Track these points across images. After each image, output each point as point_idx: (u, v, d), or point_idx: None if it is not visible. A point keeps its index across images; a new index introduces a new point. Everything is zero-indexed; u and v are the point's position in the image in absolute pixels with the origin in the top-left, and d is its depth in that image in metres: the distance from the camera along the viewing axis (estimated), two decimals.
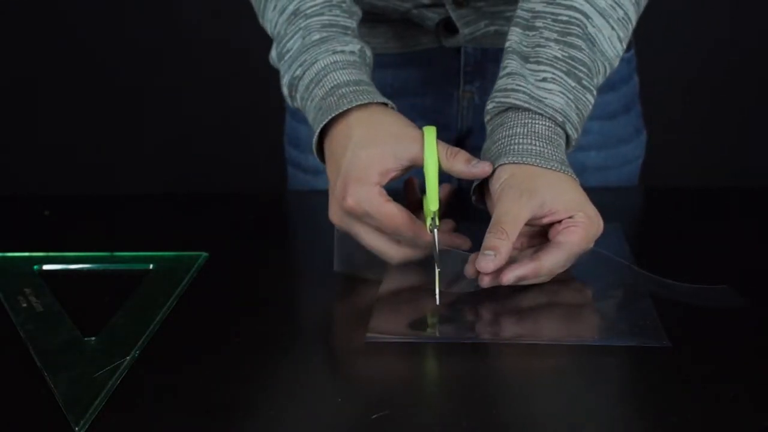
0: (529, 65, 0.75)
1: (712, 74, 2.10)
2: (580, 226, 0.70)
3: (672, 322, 0.66)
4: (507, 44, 0.78)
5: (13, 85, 2.15)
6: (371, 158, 0.72)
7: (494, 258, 0.68)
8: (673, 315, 0.68)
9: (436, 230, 0.71)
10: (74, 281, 0.79)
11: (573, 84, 0.75)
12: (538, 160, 0.72)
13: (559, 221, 0.71)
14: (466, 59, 1.00)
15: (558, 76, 0.74)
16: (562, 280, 0.73)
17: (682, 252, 0.81)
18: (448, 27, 0.97)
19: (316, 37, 0.79)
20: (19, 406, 0.59)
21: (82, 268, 0.81)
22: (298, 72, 0.79)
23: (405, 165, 0.73)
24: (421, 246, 0.74)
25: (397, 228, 0.72)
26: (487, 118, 0.78)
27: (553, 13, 0.76)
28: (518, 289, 0.71)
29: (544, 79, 0.74)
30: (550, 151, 0.73)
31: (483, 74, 1.00)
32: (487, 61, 1.00)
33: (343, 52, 0.78)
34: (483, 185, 0.75)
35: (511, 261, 0.70)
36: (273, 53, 0.84)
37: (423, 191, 0.74)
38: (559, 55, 0.75)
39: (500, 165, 0.72)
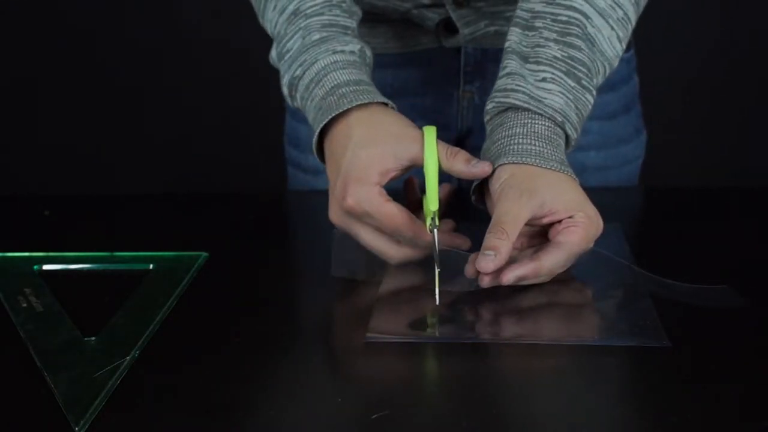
0: (528, 65, 0.75)
1: (712, 74, 2.10)
2: (580, 226, 0.70)
3: (672, 322, 0.66)
4: (506, 44, 0.78)
5: (13, 85, 2.15)
6: (371, 158, 0.72)
7: (494, 258, 0.68)
8: (673, 315, 0.68)
9: (435, 230, 0.71)
10: (74, 281, 0.79)
11: (572, 84, 0.75)
12: (537, 160, 0.72)
13: (559, 221, 0.71)
14: (466, 59, 1.00)
15: (557, 76, 0.74)
16: (562, 280, 0.73)
17: (682, 252, 0.81)
18: (448, 27, 0.97)
19: (316, 37, 0.79)
20: (19, 406, 0.59)
21: (82, 268, 0.81)
22: (298, 72, 0.79)
23: (405, 165, 0.73)
24: (420, 246, 0.74)
25: (397, 228, 0.72)
26: (486, 118, 0.78)
27: (552, 14, 0.76)
28: (518, 289, 0.71)
29: (544, 79, 0.74)
30: (549, 151, 0.73)
31: (483, 74, 1.00)
32: (487, 61, 1.00)
33: (343, 51, 0.78)
34: (483, 185, 0.75)
35: (511, 261, 0.70)
36: (273, 53, 0.84)
37: (423, 191, 0.74)
38: (559, 55, 0.75)
39: (500, 165, 0.72)
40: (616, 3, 0.77)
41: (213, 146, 2.15)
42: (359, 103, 0.74)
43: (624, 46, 0.79)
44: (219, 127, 2.15)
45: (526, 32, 0.77)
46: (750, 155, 2.11)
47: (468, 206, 0.77)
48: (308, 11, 0.80)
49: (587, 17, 0.76)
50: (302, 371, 0.63)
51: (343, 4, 0.81)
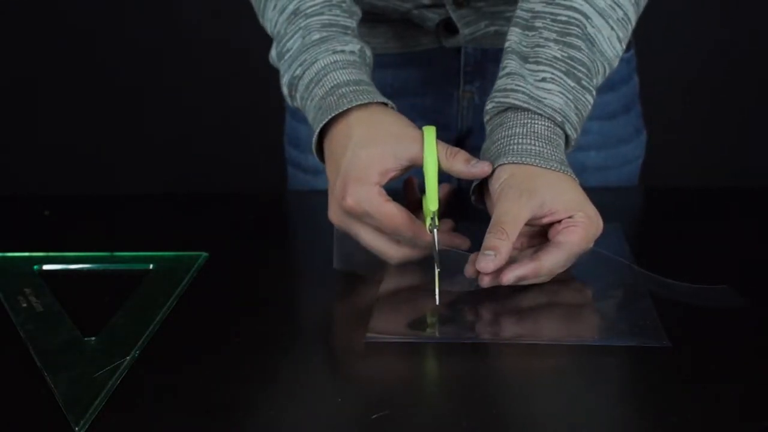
0: (528, 65, 0.75)
1: (712, 74, 2.10)
2: (580, 226, 0.70)
3: (672, 322, 0.66)
4: (506, 44, 0.78)
5: (13, 85, 2.15)
6: (371, 158, 0.72)
7: (494, 258, 0.68)
8: (673, 315, 0.68)
9: (435, 230, 0.71)
10: (74, 281, 0.79)
11: (572, 84, 0.75)
12: (537, 160, 0.72)
13: (559, 221, 0.71)
14: (466, 59, 1.00)
15: (557, 76, 0.74)
16: (562, 280, 0.73)
17: (682, 252, 0.81)
18: (449, 27, 0.97)
19: (316, 36, 0.79)
20: (19, 406, 0.59)
21: (82, 268, 0.81)
22: (297, 71, 0.79)
23: (405, 165, 0.73)
24: (420, 246, 0.74)
25: (397, 228, 0.72)
26: (486, 118, 0.78)
27: (552, 14, 0.76)
28: (518, 289, 0.71)
29: (543, 79, 0.74)
30: (549, 151, 0.73)
31: (483, 74, 1.00)
32: (487, 62, 1.00)
33: (343, 51, 0.78)
34: (482, 185, 0.75)
35: (511, 261, 0.70)
36: (273, 53, 0.84)
37: (422, 191, 0.74)
38: (559, 56, 0.75)
39: (500, 165, 0.73)
40: (616, 3, 0.77)
41: (213, 146, 2.15)
42: (359, 103, 0.74)
43: (624, 47, 0.79)
44: (219, 127, 2.15)
45: (526, 32, 0.77)
46: (750, 155, 2.11)
47: (468, 206, 0.77)
48: (308, 11, 0.80)
49: (587, 17, 0.76)
50: (302, 371, 0.63)
51: (343, 4, 0.81)
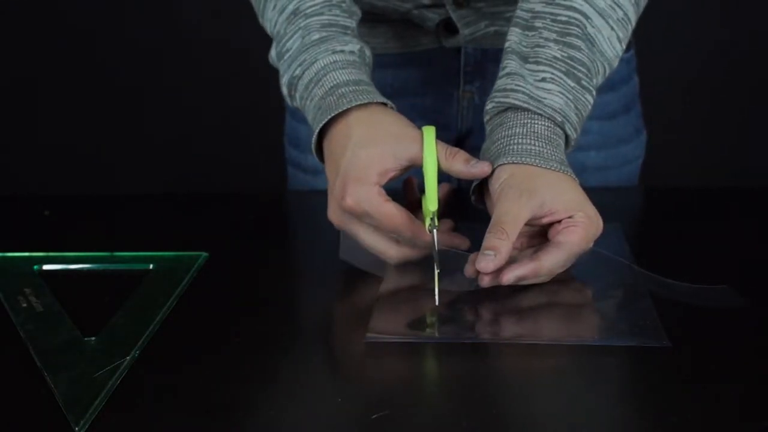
0: (528, 65, 0.75)
1: (712, 74, 2.10)
2: (580, 226, 0.70)
3: (672, 322, 0.66)
4: (506, 44, 0.78)
5: (13, 85, 2.15)
6: (371, 158, 0.72)
7: (494, 258, 0.68)
8: (673, 315, 0.68)
9: (435, 230, 0.71)
10: (74, 281, 0.79)
11: (572, 84, 0.75)
12: (537, 160, 0.72)
13: (559, 221, 0.71)
14: (466, 59, 1.00)
15: (557, 76, 0.74)
16: (562, 280, 0.73)
17: (682, 252, 0.81)
18: (449, 27, 0.97)
19: (316, 36, 0.79)
20: (19, 406, 0.59)
21: (82, 268, 0.81)
22: (297, 71, 0.79)
23: (404, 165, 0.73)
24: (420, 246, 0.74)
25: (396, 228, 0.72)
26: (486, 118, 0.78)
27: (552, 14, 0.76)
28: (518, 289, 0.71)
29: (543, 79, 0.74)
30: (549, 151, 0.73)
31: (483, 74, 1.00)
32: (487, 62, 1.00)
33: (342, 51, 0.78)
34: (482, 185, 0.75)
35: (511, 261, 0.70)
36: (272, 53, 0.84)
37: (422, 191, 0.74)
38: (558, 56, 0.75)
39: (500, 165, 0.72)
40: (616, 3, 0.77)
41: (213, 146, 2.15)
42: (359, 103, 0.74)
43: (624, 47, 0.79)
44: (219, 127, 2.15)
45: (526, 32, 0.77)
46: (750, 155, 2.11)
47: (467, 206, 0.77)
48: (308, 11, 0.80)
49: (587, 17, 0.76)
50: (302, 371, 0.63)
51: (343, 4, 0.81)
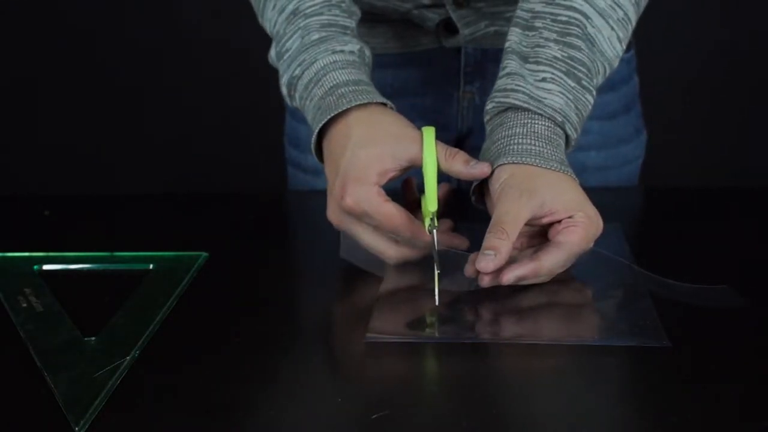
0: (528, 65, 0.75)
1: (712, 74, 2.10)
2: (580, 226, 0.70)
3: (672, 322, 0.66)
4: (506, 45, 0.78)
5: (13, 85, 2.15)
6: (370, 158, 0.72)
7: (494, 258, 0.68)
8: (673, 315, 0.68)
9: (435, 231, 0.71)
10: (74, 281, 0.79)
11: (572, 84, 0.75)
12: (537, 160, 0.72)
13: (559, 221, 0.71)
14: (466, 59, 1.00)
15: (557, 76, 0.74)
16: (562, 280, 0.73)
17: (682, 252, 0.81)
18: (449, 27, 0.97)
19: (316, 36, 0.79)
20: (19, 406, 0.59)
21: (82, 268, 0.81)
22: (297, 71, 0.79)
23: (404, 165, 0.73)
24: (419, 246, 0.74)
25: (396, 228, 0.72)
26: (486, 118, 0.78)
27: (552, 14, 0.76)
28: (518, 289, 0.71)
29: (544, 79, 0.74)
30: (549, 151, 0.73)
31: (483, 74, 1.00)
32: (487, 62, 1.00)
33: (342, 51, 0.78)
34: (482, 185, 0.75)
35: (511, 261, 0.70)
36: (272, 52, 0.84)
37: (421, 191, 0.74)
38: (559, 56, 0.75)
39: (500, 165, 0.73)
40: (616, 3, 0.77)
41: (213, 146, 2.15)
42: (358, 103, 0.74)
43: (624, 47, 0.79)
44: (219, 127, 2.15)
45: (526, 32, 0.77)
46: (750, 155, 2.11)
47: (468, 206, 0.77)
48: (307, 11, 0.80)
49: (587, 17, 0.76)
50: (302, 371, 0.63)
51: (342, 4, 0.81)
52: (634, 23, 0.79)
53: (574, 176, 0.73)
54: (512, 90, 0.75)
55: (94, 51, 2.13)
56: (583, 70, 0.75)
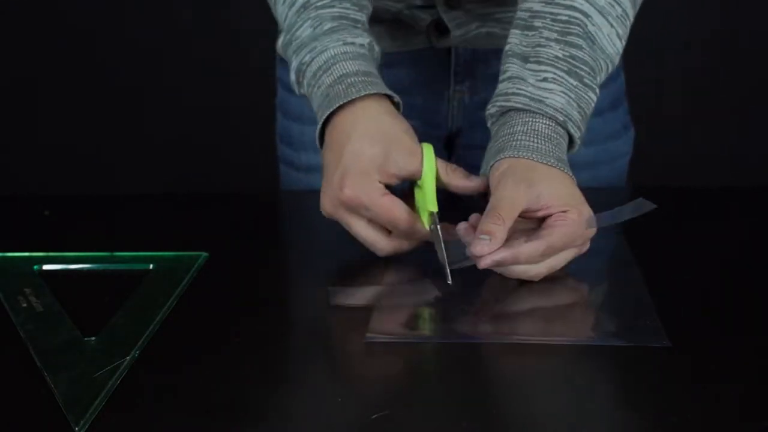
0: (529, 65, 0.75)
1: (712, 74, 2.10)
2: (568, 222, 0.70)
3: (672, 322, 0.66)
4: (507, 47, 0.79)
5: (13, 85, 2.15)
6: (374, 157, 0.73)
7: (489, 242, 0.68)
8: (673, 315, 0.68)
9: (438, 226, 0.72)
10: (74, 281, 0.79)
11: (574, 83, 0.75)
12: (535, 155, 0.72)
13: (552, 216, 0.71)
14: (456, 59, 1.00)
15: (559, 75, 0.75)
16: (561, 280, 0.73)
17: (682, 252, 0.81)
18: (440, 28, 0.98)
19: (328, 26, 0.79)
20: (19, 406, 0.59)
21: (82, 268, 0.81)
22: (306, 58, 0.79)
23: (404, 176, 0.74)
24: (412, 239, 0.74)
25: (394, 220, 0.73)
26: (490, 121, 0.79)
27: (552, 13, 0.76)
28: (518, 289, 0.71)
29: (545, 79, 0.75)
30: (548, 148, 0.73)
31: (473, 74, 1.01)
32: (477, 61, 1.00)
33: (353, 44, 0.79)
34: None
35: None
36: (280, 41, 0.84)
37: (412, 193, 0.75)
38: (560, 55, 0.75)
39: (499, 159, 0.73)
40: (615, 0, 0.77)
41: (213, 146, 2.15)
42: (368, 93, 0.75)
43: (624, 43, 0.79)
44: (219, 127, 2.15)
45: (526, 32, 0.77)
46: (750, 155, 2.11)
47: (467, 207, 0.77)
48: (318, 4, 0.80)
49: (587, 16, 0.76)
50: (302, 371, 0.63)
51: None
52: (632, 19, 0.80)
53: (572, 175, 0.73)
54: (513, 93, 0.76)
55: (94, 51, 2.13)
56: (585, 68, 0.75)
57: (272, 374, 0.62)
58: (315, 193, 0.78)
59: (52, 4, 2.09)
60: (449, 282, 0.70)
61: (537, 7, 0.77)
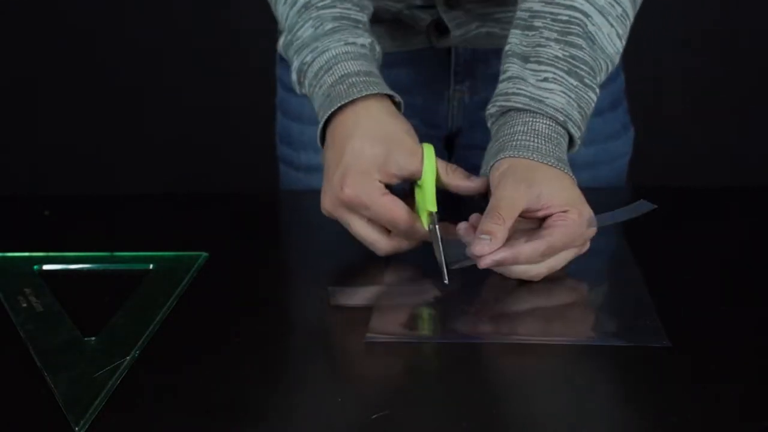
0: (529, 65, 0.76)
1: (712, 74, 2.10)
2: (568, 222, 0.70)
3: (672, 322, 0.66)
4: (507, 47, 0.79)
5: (13, 85, 2.15)
6: (376, 156, 0.73)
7: (490, 242, 0.68)
8: (673, 315, 0.68)
9: (437, 226, 0.72)
10: (74, 281, 0.79)
11: (575, 83, 0.75)
12: (535, 155, 0.72)
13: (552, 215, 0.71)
14: (456, 59, 1.00)
15: (559, 75, 0.75)
16: (561, 280, 0.73)
17: (682, 252, 0.81)
18: (440, 28, 0.98)
19: (329, 26, 0.79)
20: (19, 406, 0.59)
21: (82, 268, 0.81)
22: (308, 58, 0.79)
23: (404, 176, 0.74)
24: (411, 238, 0.74)
25: (394, 219, 0.73)
26: (490, 121, 0.79)
27: (552, 13, 0.76)
28: (518, 289, 0.71)
29: (545, 79, 0.75)
30: (548, 148, 0.73)
31: (473, 74, 1.01)
32: (477, 61, 1.00)
33: (354, 44, 0.79)
34: None
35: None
36: (281, 41, 0.84)
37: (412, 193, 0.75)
38: (560, 55, 0.75)
39: (499, 159, 0.73)
40: (615, 0, 0.77)
41: (213, 146, 2.15)
42: (369, 93, 0.75)
43: (624, 43, 0.79)
44: (219, 127, 2.15)
45: (526, 32, 0.77)
46: (750, 155, 2.11)
47: (467, 207, 0.77)
48: (319, 4, 0.81)
49: (587, 15, 0.76)
50: (302, 371, 0.63)
51: None
52: (632, 19, 0.80)
53: (572, 176, 0.73)
54: (513, 93, 0.76)
55: (94, 51, 2.13)
56: (585, 68, 0.76)
57: (272, 374, 0.62)
58: (315, 193, 0.78)
59: (52, 4, 2.09)
60: (446, 282, 0.70)
61: (537, 7, 0.77)
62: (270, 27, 0.97)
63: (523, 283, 0.72)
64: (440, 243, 0.72)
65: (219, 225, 0.92)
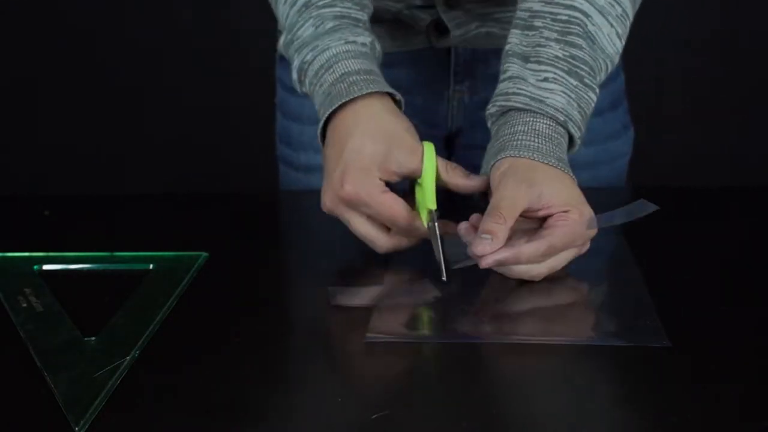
0: (529, 65, 0.76)
1: (712, 73, 2.10)
2: (569, 222, 0.70)
3: (672, 322, 0.66)
4: (507, 47, 0.79)
5: (13, 85, 2.15)
6: (376, 154, 0.73)
7: (491, 242, 0.68)
8: (673, 315, 0.68)
9: (436, 224, 0.72)
10: (74, 281, 0.79)
11: (575, 83, 0.75)
12: (535, 155, 0.72)
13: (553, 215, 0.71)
14: (456, 59, 1.00)
15: (559, 75, 0.75)
16: (561, 280, 0.73)
17: (682, 252, 0.81)
18: (439, 28, 0.98)
19: (329, 25, 0.79)
20: (19, 406, 0.59)
21: (82, 268, 0.81)
22: (308, 57, 0.79)
23: (404, 174, 0.74)
24: (411, 236, 0.74)
25: (394, 217, 0.73)
26: (490, 121, 0.79)
27: (552, 13, 0.76)
28: (518, 289, 0.71)
29: (546, 79, 0.75)
30: (549, 148, 0.73)
31: (473, 74, 1.01)
32: (477, 61, 1.00)
33: (354, 42, 0.79)
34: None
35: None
36: (281, 41, 0.84)
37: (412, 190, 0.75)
38: (560, 55, 0.75)
39: (500, 159, 0.73)
40: (615, 0, 0.77)
41: (213, 146, 2.15)
42: (369, 91, 0.75)
43: (623, 43, 0.79)
44: (219, 127, 2.15)
45: (526, 32, 0.77)
46: (750, 155, 2.11)
47: (467, 207, 0.77)
48: (319, 3, 0.81)
49: (587, 15, 0.76)
50: (302, 371, 0.63)
51: None
52: (632, 19, 0.80)
53: (573, 176, 0.73)
54: (513, 93, 0.76)
55: (94, 51, 2.13)
56: (585, 68, 0.76)
57: (272, 374, 0.62)
58: (315, 193, 0.78)
59: (52, 4, 2.09)
60: (444, 278, 0.70)
61: (537, 6, 0.77)
62: (270, 27, 0.97)
63: (523, 283, 0.72)
64: (439, 241, 0.72)
65: (219, 225, 0.92)
